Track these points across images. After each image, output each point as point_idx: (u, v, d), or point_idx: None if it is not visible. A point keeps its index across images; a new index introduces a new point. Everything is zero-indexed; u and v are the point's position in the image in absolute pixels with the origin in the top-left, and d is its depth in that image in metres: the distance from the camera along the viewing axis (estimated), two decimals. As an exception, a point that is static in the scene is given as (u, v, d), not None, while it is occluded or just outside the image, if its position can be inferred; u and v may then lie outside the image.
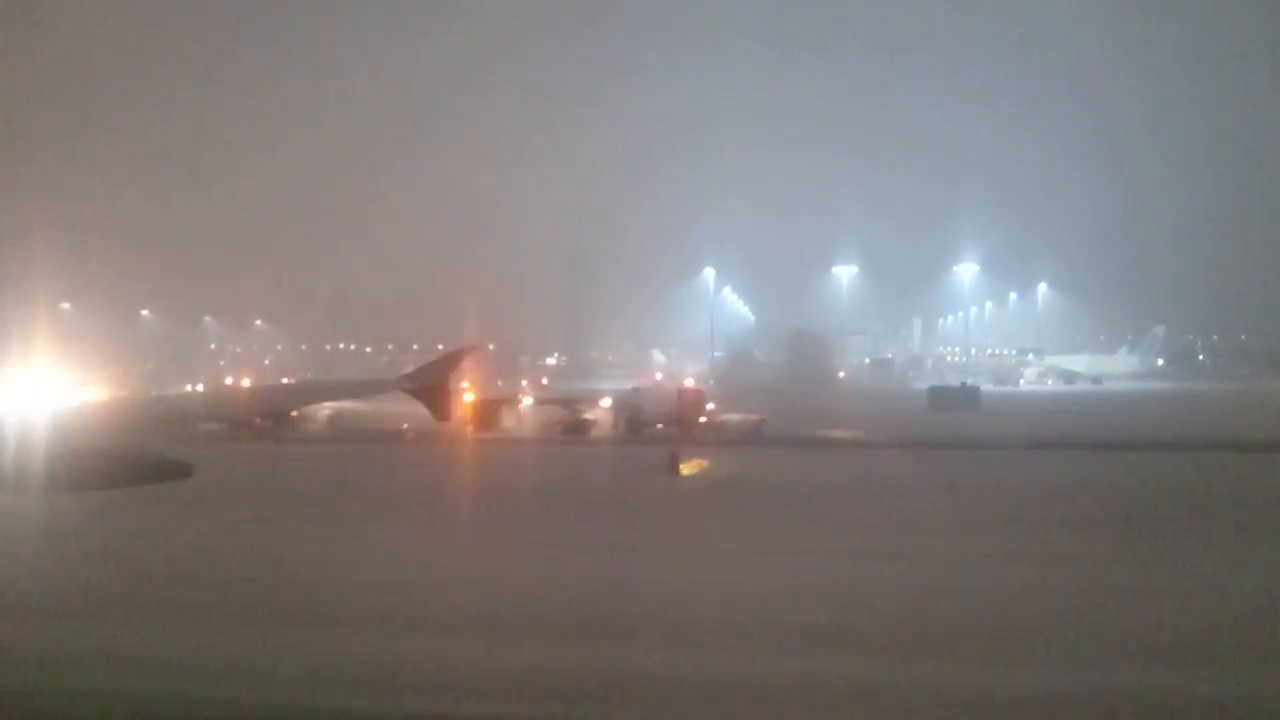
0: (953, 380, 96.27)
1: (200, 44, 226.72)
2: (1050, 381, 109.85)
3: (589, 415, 50.81)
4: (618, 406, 51.49)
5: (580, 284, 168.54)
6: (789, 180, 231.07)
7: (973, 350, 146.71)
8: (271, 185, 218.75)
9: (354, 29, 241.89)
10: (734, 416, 50.46)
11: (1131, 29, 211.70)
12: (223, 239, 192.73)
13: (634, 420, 49.68)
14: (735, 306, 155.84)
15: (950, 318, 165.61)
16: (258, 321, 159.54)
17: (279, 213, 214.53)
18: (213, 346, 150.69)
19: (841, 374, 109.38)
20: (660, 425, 49.22)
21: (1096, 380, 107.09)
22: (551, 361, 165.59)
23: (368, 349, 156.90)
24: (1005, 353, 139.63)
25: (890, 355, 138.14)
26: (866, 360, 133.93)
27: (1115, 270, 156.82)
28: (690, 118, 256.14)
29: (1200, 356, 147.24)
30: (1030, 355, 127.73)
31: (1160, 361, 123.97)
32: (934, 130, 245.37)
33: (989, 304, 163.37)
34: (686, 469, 33.82)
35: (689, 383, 56.57)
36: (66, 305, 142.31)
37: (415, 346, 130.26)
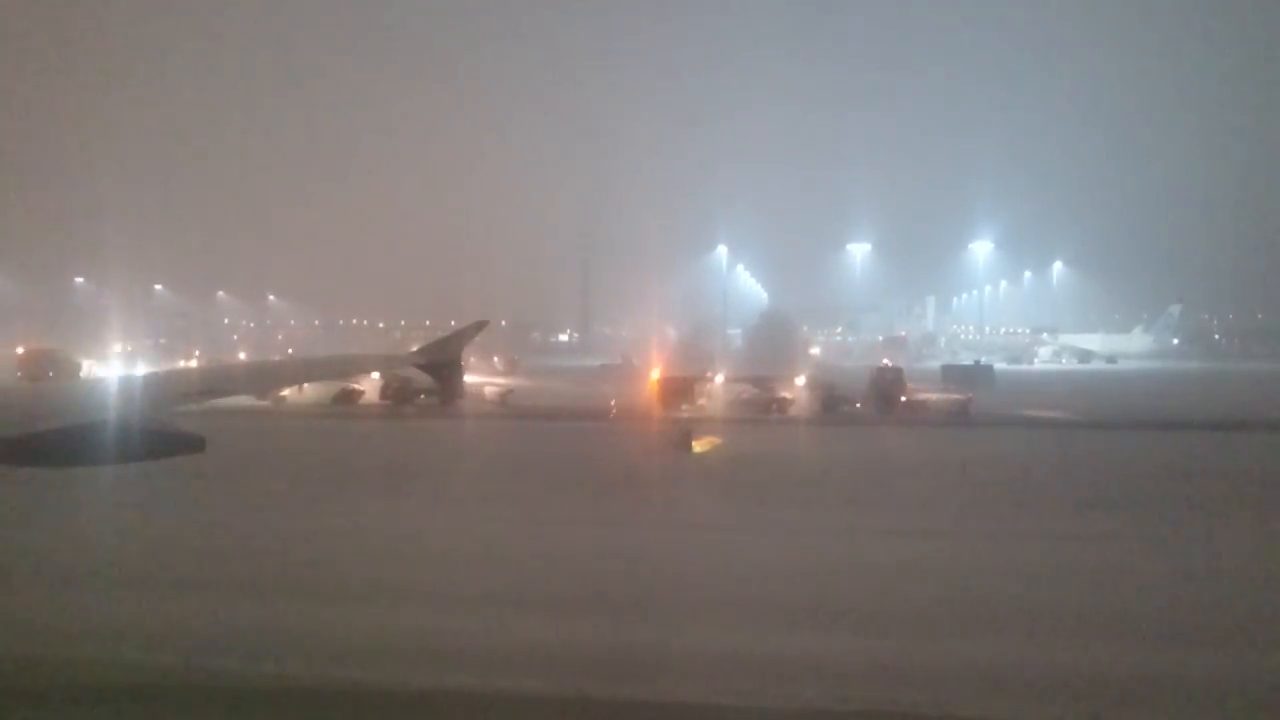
0: (966, 359, 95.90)
1: (213, 21, 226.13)
2: (1064, 360, 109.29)
3: (785, 394, 49.63)
4: (813, 385, 50.31)
5: (593, 261, 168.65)
6: (803, 159, 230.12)
7: (987, 328, 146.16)
8: (287, 163, 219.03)
9: (370, 8, 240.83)
10: (936, 395, 49.44)
11: (1149, 7, 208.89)
12: (237, 215, 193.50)
13: (830, 399, 48.71)
14: (749, 284, 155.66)
15: (965, 296, 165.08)
16: (271, 297, 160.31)
17: (294, 190, 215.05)
18: (225, 321, 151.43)
19: (815, 351, 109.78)
20: (859, 404, 48.51)
21: (1111, 359, 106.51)
22: (564, 338, 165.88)
23: (380, 324, 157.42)
24: (1019, 331, 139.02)
25: (904, 333, 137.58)
26: (880, 338, 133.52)
27: (1131, 249, 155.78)
28: (705, 96, 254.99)
29: (1216, 336, 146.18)
30: (1044, 334, 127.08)
31: (1175, 341, 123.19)
32: (950, 109, 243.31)
33: (1004, 282, 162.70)
34: (699, 446, 33.76)
35: (886, 361, 55.37)
36: (80, 279, 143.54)
37: (428, 322, 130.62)
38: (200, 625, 13.69)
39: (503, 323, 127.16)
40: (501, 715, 11.28)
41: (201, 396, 9.88)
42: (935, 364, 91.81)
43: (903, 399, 48.52)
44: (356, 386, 51.80)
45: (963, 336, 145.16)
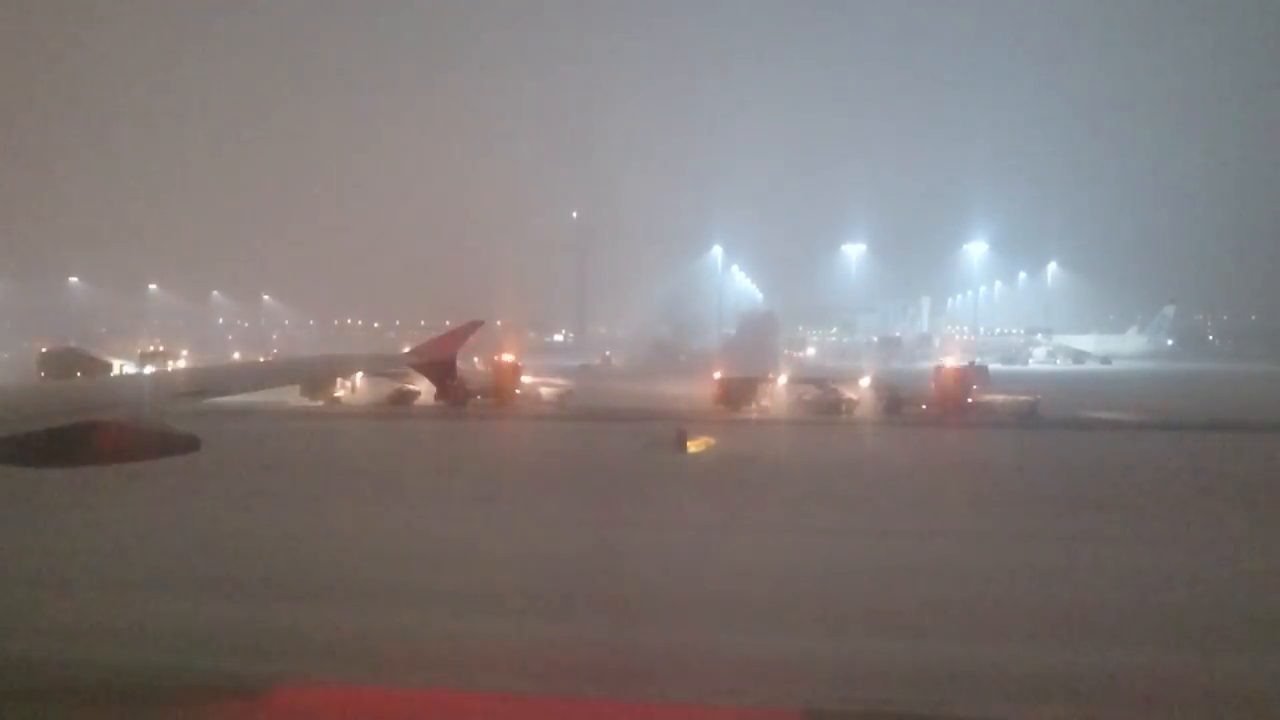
0: (960, 359, 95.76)
1: (208, 22, 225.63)
2: (1059, 361, 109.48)
3: (850, 394, 49.21)
4: (878, 386, 49.91)
5: (588, 260, 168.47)
6: (798, 159, 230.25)
7: (981, 329, 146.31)
8: (282, 162, 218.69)
9: (363, 7, 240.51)
10: (1003, 397, 49.06)
11: (1141, 8, 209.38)
12: (232, 215, 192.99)
13: (895, 400, 48.39)
14: (744, 285, 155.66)
15: (959, 296, 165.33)
16: (266, 297, 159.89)
17: (289, 189, 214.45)
18: (220, 321, 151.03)
19: (810, 351, 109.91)
20: (924, 406, 48.23)
21: (1105, 360, 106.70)
22: (559, 338, 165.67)
23: (375, 324, 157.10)
24: (1014, 332, 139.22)
25: (898, 334, 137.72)
26: (874, 339, 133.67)
27: (1125, 250, 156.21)
28: (700, 97, 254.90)
29: (1210, 337, 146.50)
30: (1039, 334, 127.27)
31: (1170, 341, 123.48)
32: (945, 110, 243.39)
33: (998, 283, 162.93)
34: (694, 446, 33.79)
35: (951, 362, 54.84)
36: (74, 279, 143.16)
37: (422, 322, 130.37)
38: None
39: (498, 323, 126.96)
40: (511, 715, 11.33)
41: (193, 397, 9.90)
42: (929, 364, 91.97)
43: (968, 400, 48.35)
44: (411, 387, 51.32)
45: (958, 337, 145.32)
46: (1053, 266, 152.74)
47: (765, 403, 49.75)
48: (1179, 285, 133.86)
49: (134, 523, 20.94)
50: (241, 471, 27.94)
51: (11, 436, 7.13)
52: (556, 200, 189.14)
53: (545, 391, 53.75)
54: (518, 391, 53.11)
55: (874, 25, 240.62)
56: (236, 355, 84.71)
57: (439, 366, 15.89)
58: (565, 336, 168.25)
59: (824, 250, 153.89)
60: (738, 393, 49.86)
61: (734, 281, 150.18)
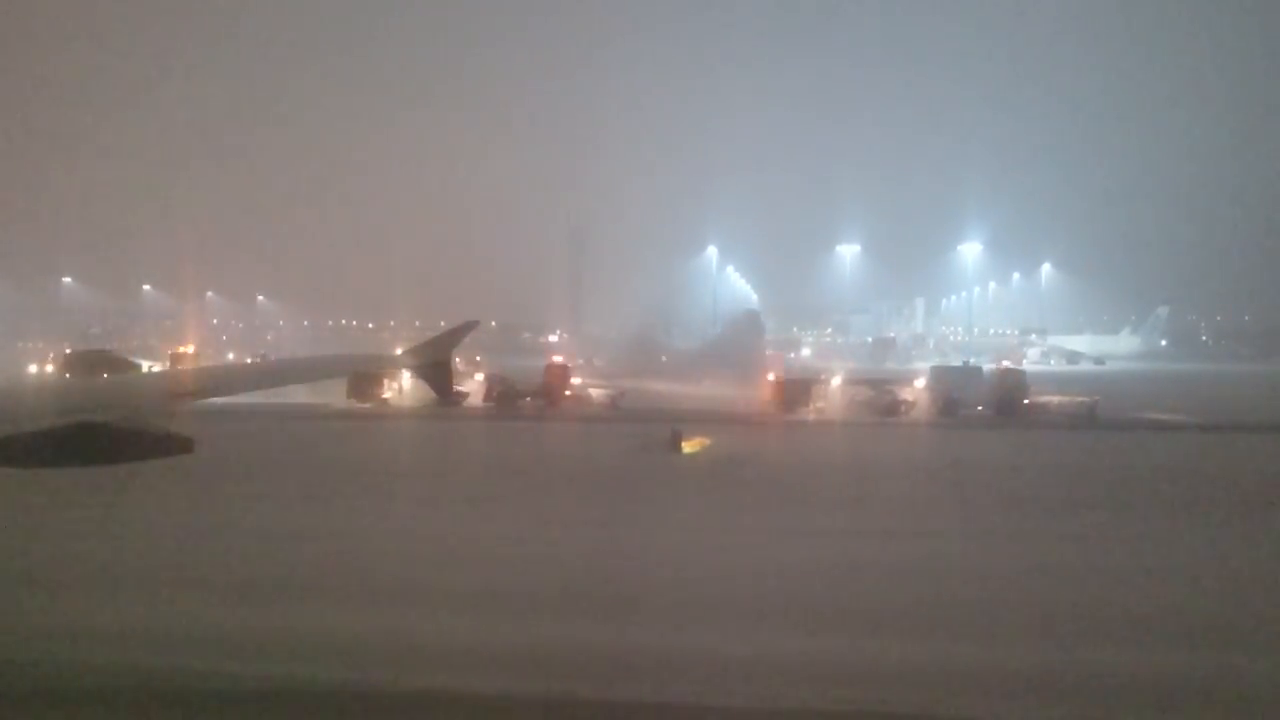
0: (955, 360, 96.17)
1: (205, 25, 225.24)
2: (1053, 361, 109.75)
3: (907, 396, 49.06)
4: (933, 388, 49.74)
5: (583, 261, 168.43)
6: (793, 161, 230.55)
7: (975, 330, 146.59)
8: (277, 163, 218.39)
9: (361, 10, 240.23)
10: (1058, 398, 48.77)
11: (1135, 10, 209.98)
12: (227, 215, 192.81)
13: (951, 402, 48.18)
14: (739, 285, 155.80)
15: (954, 297, 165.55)
16: (260, 297, 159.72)
17: (283, 190, 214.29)
18: (215, 322, 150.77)
19: (805, 351, 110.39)
20: (980, 407, 47.99)
21: (1099, 360, 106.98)
22: (553, 339, 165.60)
23: (369, 325, 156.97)
24: (1008, 332, 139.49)
25: (893, 334, 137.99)
26: (869, 339, 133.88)
27: (1119, 251, 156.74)
28: (695, 99, 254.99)
29: (1203, 337, 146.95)
30: (1033, 335, 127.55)
31: (1163, 342, 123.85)
32: (939, 110, 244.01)
33: (992, 284, 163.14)
34: (689, 446, 33.73)
35: (1006, 363, 54.02)
36: (68, 279, 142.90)
37: (417, 323, 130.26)
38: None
39: (493, 323, 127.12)
40: (522, 715, 11.31)
41: (185, 398, 9.84)
42: (924, 365, 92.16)
43: (1025, 401, 48.19)
44: (461, 388, 51.12)
45: (951, 338, 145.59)
46: (1047, 267, 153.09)
47: (820, 404, 49.37)
48: (1172, 286, 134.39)
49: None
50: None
51: (6, 437, 7.09)
52: (552, 201, 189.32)
53: (595, 393, 53.38)
54: (568, 393, 52.65)
55: (869, 27, 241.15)
56: (230, 356, 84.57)
57: (435, 367, 15.82)
58: (560, 337, 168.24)
59: (818, 251, 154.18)
60: (792, 394, 49.53)
61: (729, 282, 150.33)
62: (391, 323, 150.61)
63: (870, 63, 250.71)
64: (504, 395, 51.25)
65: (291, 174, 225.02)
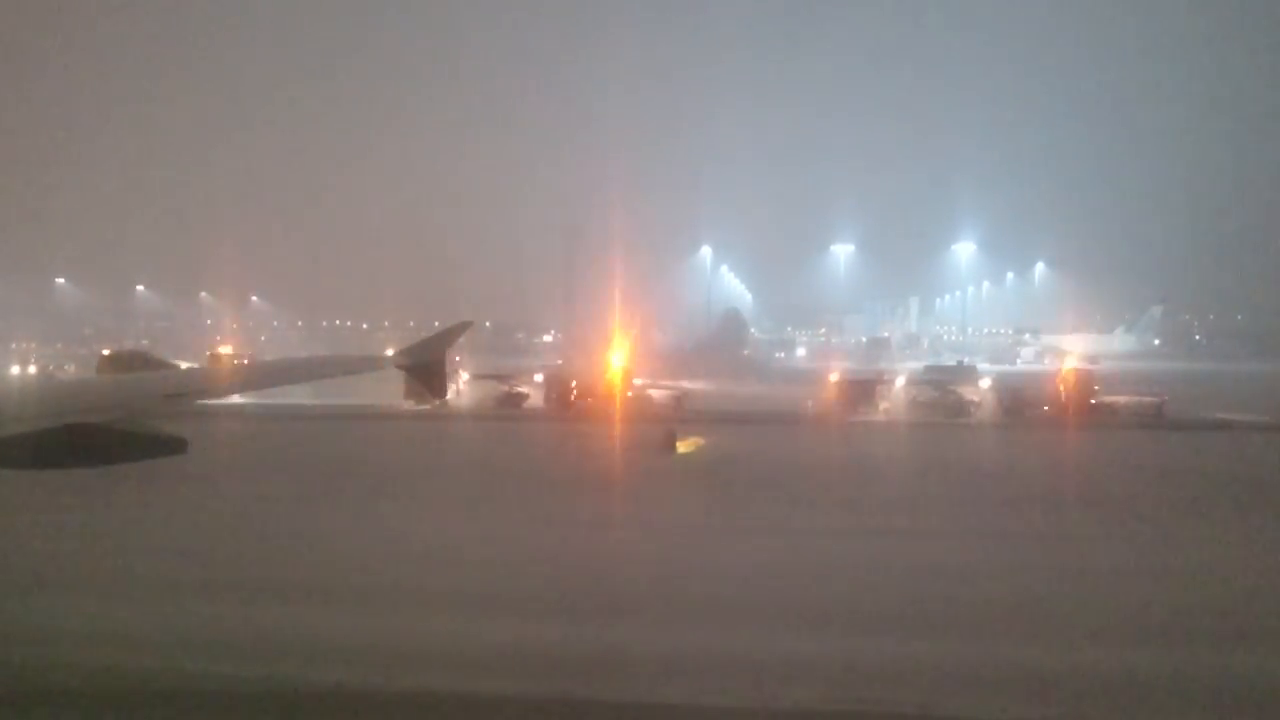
0: (949, 359, 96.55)
1: (198, 22, 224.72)
2: (1047, 360, 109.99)
3: (972, 396, 48.48)
4: (998, 388, 49.12)
5: (578, 262, 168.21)
6: (787, 160, 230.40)
7: (969, 329, 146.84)
8: (270, 163, 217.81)
9: (351, 8, 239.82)
10: (1125, 398, 48.20)
11: (1130, 8, 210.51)
12: (221, 215, 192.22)
13: (1017, 402, 47.64)
14: (733, 285, 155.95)
15: (947, 297, 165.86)
16: (254, 298, 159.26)
17: (277, 190, 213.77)
18: (208, 323, 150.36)
19: (801, 352, 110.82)
20: (1045, 408, 47.46)
21: (1093, 360, 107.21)
22: (548, 339, 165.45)
23: (364, 325, 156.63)
24: (1002, 332, 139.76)
25: (887, 334, 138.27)
26: (864, 339, 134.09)
27: (1113, 250, 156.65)
28: (688, 98, 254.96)
29: (1197, 337, 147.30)
30: (1027, 334, 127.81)
31: (1157, 341, 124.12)
32: (932, 110, 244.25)
33: (986, 283, 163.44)
34: (684, 447, 33.74)
35: (1075, 363, 53.22)
36: (61, 280, 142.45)
37: (411, 323, 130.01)
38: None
39: (487, 324, 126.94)
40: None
41: (177, 399, 9.80)
42: (918, 364, 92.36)
43: (1091, 401, 47.69)
44: (521, 389, 51.12)
45: (946, 337, 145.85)
46: (1040, 267, 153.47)
47: (885, 405, 48.93)
48: (1166, 285, 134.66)
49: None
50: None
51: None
52: (546, 202, 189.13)
53: (656, 395, 52.99)
54: (628, 394, 51.87)
55: (862, 25, 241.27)
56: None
57: (428, 368, 15.78)
58: (555, 337, 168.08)
59: (813, 251, 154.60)
60: (855, 395, 49.21)
61: (723, 282, 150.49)
62: (386, 323, 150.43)
63: (865, 62, 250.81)
64: (563, 397, 50.81)
65: (284, 173, 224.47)
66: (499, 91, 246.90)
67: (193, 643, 13.10)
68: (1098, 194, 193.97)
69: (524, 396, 51.16)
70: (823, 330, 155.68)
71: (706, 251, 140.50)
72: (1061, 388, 48.64)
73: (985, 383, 49.88)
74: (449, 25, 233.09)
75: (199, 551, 18.77)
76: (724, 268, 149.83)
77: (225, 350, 72.27)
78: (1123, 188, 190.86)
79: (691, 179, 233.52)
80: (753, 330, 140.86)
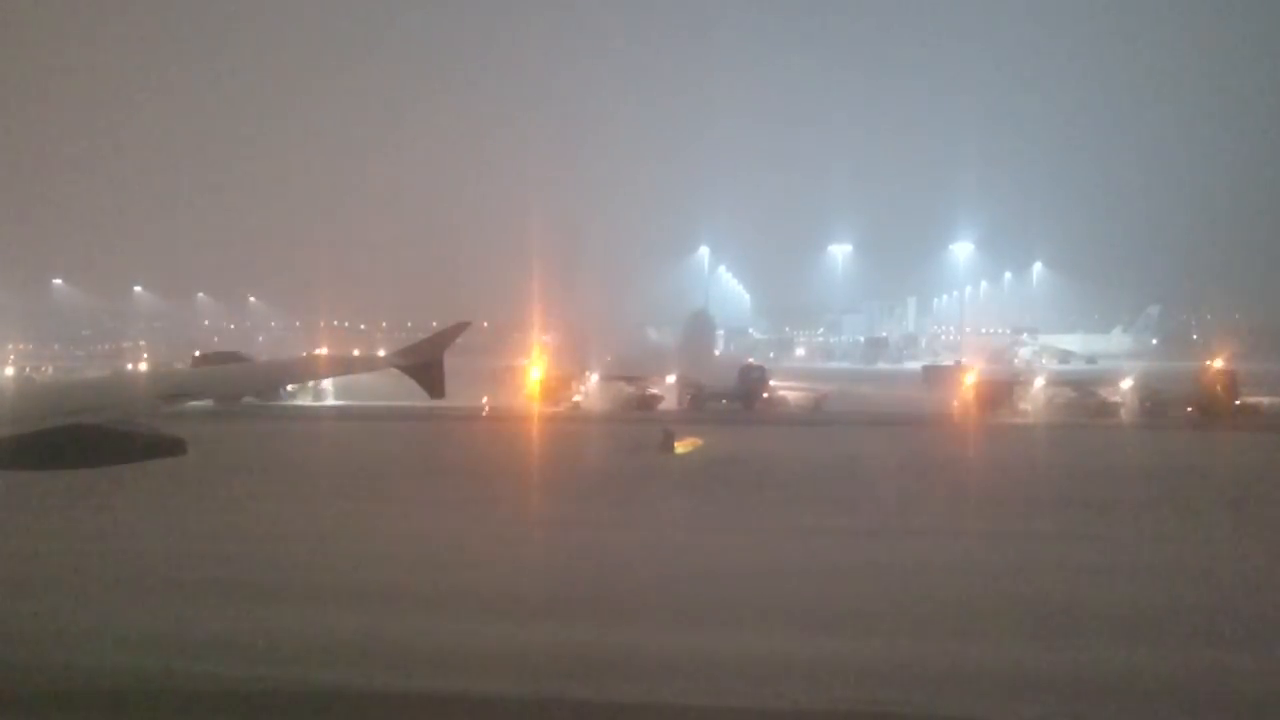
0: (947, 359, 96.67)
1: (196, 24, 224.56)
2: (1044, 361, 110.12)
3: (1114, 397, 47.48)
4: (1139, 388, 47.94)
5: (576, 262, 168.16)
6: (784, 159, 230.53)
7: (967, 329, 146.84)
8: (266, 163, 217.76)
9: (349, 10, 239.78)
10: (1268, 399, 47.27)
11: (1125, 8, 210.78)
12: (217, 216, 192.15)
13: (1160, 403, 46.80)
14: (731, 286, 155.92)
15: (945, 297, 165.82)
16: (251, 298, 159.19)
17: (274, 190, 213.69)
18: (206, 323, 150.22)
19: (800, 352, 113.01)
20: (1189, 409, 46.49)
21: (1091, 360, 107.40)
22: (547, 339, 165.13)
23: (362, 326, 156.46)
24: (1000, 332, 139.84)
25: (885, 334, 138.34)
26: (861, 339, 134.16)
27: (1110, 250, 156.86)
28: (686, 98, 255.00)
29: (1194, 336, 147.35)
30: (1024, 335, 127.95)
31: (1154, 341, 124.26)
32: (930, 110, 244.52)
33: (984, 283, 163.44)
34: (682, 447, 33.73)
35: (1218, 363, 51.51)
36: (58, 281, 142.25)
37: (409, 324, 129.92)
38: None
39: (485, 323, 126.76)
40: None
41: (174, 400, 9.82)
42: (916, 364, 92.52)
43: (1235, 401, 46.74)
44: (655, 391, 50.88)
45: (943, 337, 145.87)
46: (1038, 267, 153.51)
47: (1024, 406, 48.22)
48: (1164, 285, 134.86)
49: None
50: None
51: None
52: (546, 201, 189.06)
53: (792, 396, 52.46)
54: (765, 395, 51.57)
55: (859, 26, 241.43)
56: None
57: (426, 368, 15.77)
58: (552, 337, 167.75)
59: (810, 251, 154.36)
60: (995, 396, 48.70)
61: (721, 282, 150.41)
62: (384, 324, 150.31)
63: (862, 63, 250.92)
64: (696, 397, 50.34)
65: (282, 174, 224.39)
66: (499, 91, 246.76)
67: (193, 643, 13.11)
68: (1096, 194, 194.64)
69: (658, 399, 50.65)
70: (820, 330, 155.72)
71: (704, 252, 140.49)
72: (1204, 388, 47.74)
73: (1126, 383, 48.67)
74: (449, 26, 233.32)
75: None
76: (722, 268, 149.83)
77: (319, 352, 72.49)
78: (1121, 188, 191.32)
79: (689, 180, 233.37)
80: (751, 330, 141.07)
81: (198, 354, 64.35)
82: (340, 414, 49.84)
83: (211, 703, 11.37)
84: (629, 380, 51.90)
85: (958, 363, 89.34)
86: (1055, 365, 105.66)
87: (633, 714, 11.17)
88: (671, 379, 53.12)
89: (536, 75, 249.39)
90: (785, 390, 53.59)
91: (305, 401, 53.18)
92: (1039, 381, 50.76)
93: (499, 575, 17.39)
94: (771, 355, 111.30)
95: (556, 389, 50.78)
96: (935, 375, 71.88)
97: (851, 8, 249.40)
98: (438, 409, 35.50)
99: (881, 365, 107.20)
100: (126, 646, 13.09)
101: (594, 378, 51.63)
